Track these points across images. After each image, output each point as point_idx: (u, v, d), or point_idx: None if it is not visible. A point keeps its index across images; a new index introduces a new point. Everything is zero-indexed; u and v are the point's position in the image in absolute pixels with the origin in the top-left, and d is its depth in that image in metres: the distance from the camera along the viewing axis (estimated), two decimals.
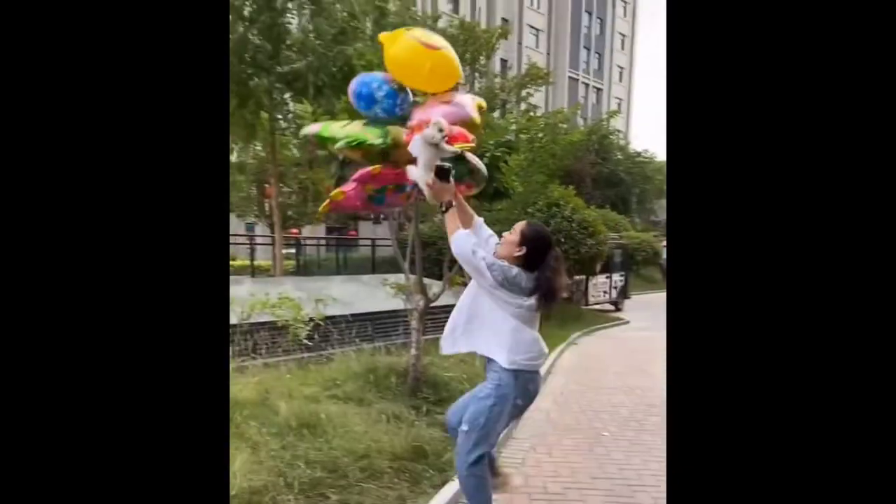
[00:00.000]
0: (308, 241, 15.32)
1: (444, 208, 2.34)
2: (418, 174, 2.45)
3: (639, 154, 28.04)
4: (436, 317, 4.93)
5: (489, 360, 2.37)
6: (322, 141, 2.78)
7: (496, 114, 17.40)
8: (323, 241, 16.35)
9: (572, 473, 3.52)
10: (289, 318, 5.25)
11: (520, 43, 34.36)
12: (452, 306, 2.52)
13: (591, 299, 13.44)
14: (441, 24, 18.95)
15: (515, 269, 2.28)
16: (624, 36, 45.43)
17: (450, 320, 2.45)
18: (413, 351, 4.38)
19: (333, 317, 5.90)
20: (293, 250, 14.19)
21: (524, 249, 2.32)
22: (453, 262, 2.29)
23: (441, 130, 2.35)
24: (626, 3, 44.74)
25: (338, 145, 2.78)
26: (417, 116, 2.67)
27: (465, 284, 2.56)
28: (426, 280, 4.56)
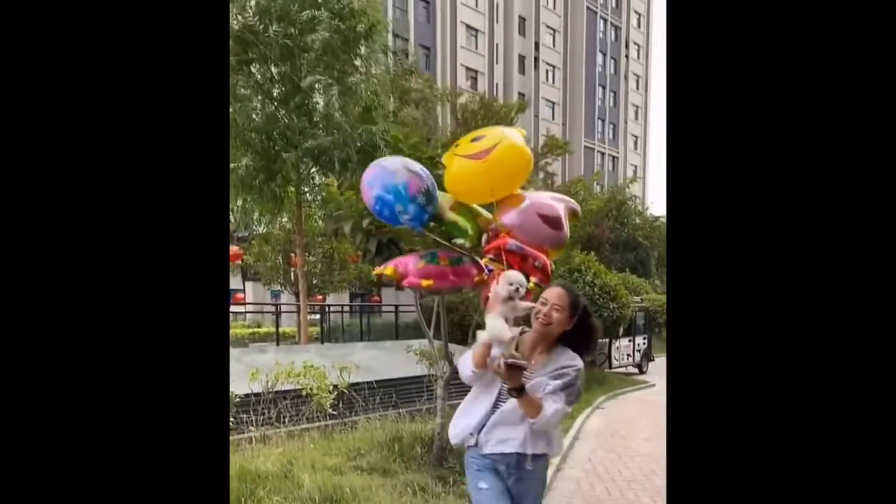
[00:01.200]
0: (332, 308, 15.45)
1: (514, 392, 2.00)
2: (490, 326, 2.05)
3: (656, 219, 28.15)
4: (461, 384, 4.88)
5: (525, 457, 2.08)
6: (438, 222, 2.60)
7: None
8: (347, 308, 16.45)
9: None
10: (313, 387, 5.25)
11: (536, 115, 35.55)
12: None
13: (615, 363, 13.30)
14: (461, 100, 19.75)
15: (579, 368, 2.10)
16: (637, 107, 46.92)
17: (483, 415, 2.15)
18: (438, 419, 4.34)
19: (357, 384, 5.88)
20: (318, 316, 14.30)
21: (574, 320, 2.14)
22: (479, 328, 2.11)
23: (511, 284, 2.07)
24: (637, 76, 46.46)
25: (456, 241, 2.68)
26: (502, 218, 2.24)
27: None
28: (451, 346, 4.57)
